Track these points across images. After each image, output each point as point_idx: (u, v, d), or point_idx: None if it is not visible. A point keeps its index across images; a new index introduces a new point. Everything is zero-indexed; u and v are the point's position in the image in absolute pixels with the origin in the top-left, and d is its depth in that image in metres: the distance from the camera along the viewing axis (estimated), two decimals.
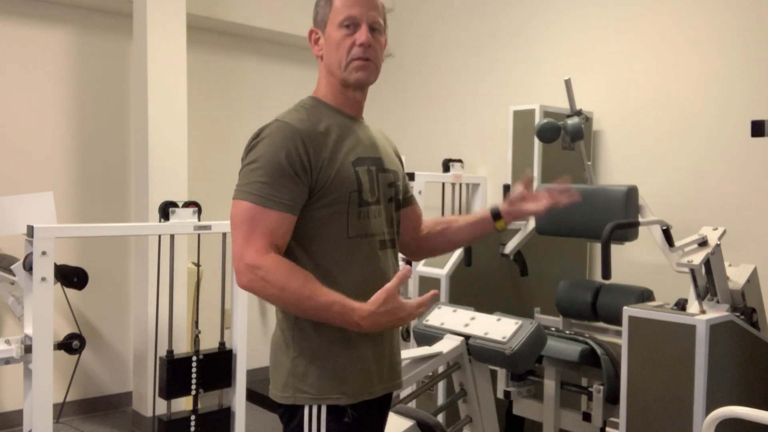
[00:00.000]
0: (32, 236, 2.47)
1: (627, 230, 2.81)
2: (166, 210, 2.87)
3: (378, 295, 1.46)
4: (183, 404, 3.42)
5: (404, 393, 2.56)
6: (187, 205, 2.90)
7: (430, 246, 1.88)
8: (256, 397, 4.02)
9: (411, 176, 4.04)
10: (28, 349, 2.50)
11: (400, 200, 1.73)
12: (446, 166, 4.27)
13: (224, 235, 3.01)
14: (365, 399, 1.57)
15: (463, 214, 1.94)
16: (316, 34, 1.65)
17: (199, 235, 2.97)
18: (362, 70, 1.59)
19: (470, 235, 1.87)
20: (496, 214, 1.84)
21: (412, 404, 2.65)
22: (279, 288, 1.44)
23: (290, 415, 1.57)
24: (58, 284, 2.87)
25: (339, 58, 1.59)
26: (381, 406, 1.65)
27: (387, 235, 1.65)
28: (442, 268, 3.29)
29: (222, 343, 2.95)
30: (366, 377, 1.57)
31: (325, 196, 1.53)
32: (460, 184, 4.36)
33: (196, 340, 2.89)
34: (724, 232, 2.53)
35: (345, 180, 1.54)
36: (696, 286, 2.49)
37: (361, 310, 1.45)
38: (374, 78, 1.64)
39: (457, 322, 2.61)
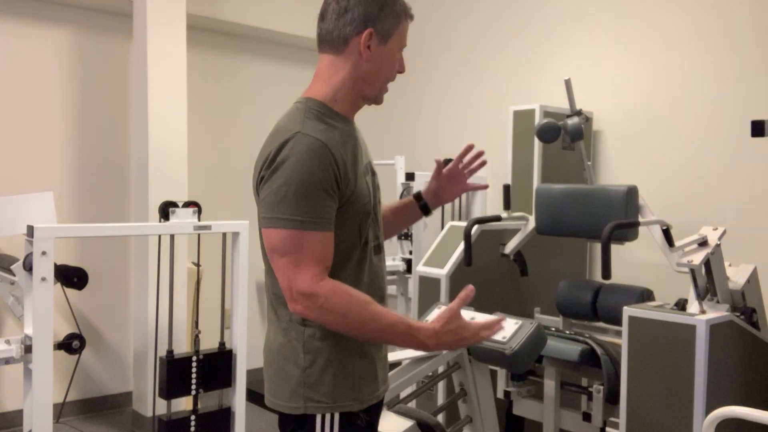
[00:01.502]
0: (32, 236, 2.47)
1: (627, 230, 2.81)
2: (166, 210, 2.87)
3: (442, 314, 1.46)
4: (183, 404, 3.42)
5: (404, 393, 2.56)
6: (187, 205, 2.90)
7: None
8: (256, 397, 4.02)
9: (411, 176, 4.04)
10: (28, 349, 2.50)
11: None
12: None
13: (224, 235, 3.02)
14: (374, 403, 1.58)
15: (393, 202, 1.93)
16: (371, 37, 1.53)
17: (199, 235, 2.97)
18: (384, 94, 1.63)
19: (397, 223, 1.87)
20: (419, 199, 1.85)
21: (412, 404, 2.65)
22: (341, 315, 1.41)
23: (298, 425, 1.53)
24: (58, 284, 2.87)
25: (385, 77, 1.58)
26: (379, 406, 1.67)
27: (381, 238, 1.65)
28: (442, 268, 3.29)
29: (222, 343, 2.95)
30: (374, 381, 1.58)
31: (348, 209, 1.49)
32: None
33: (196, 340, 2.89)
34: (724, 232, 2.53)
35: (363, 192, 1.52)
36: (696, 286, 2.49)
37: (426, 329, 1.45)
38: None
39: None
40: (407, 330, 1.44)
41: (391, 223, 1.85)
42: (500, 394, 3.11)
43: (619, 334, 2.96)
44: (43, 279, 2.47)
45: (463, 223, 3.27)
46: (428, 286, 3.34)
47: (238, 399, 2.95)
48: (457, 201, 4.39)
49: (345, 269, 1.52)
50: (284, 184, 1.40)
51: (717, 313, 2.40)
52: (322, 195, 1.41)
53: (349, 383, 1.50)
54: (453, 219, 4.32)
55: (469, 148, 1.83)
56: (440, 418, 3.09)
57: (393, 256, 4.22)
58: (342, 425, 1.52)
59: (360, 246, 1.54)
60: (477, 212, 4.37)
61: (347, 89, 1.55)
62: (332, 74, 1.55)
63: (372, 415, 1.58)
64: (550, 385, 2.96)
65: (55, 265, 2.59)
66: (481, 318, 2.58)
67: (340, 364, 1.50)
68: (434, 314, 2.73)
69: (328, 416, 1.51)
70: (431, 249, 3.45)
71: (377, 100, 1.62)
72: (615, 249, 3.71)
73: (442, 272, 3.27)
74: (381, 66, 1.56)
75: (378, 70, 1.56)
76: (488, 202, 4.40)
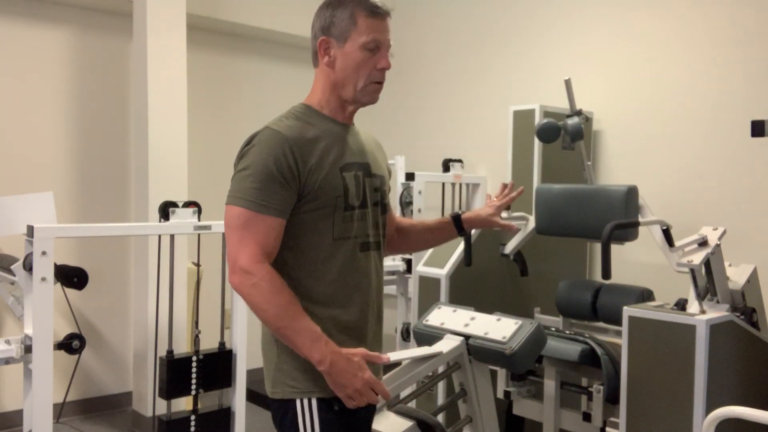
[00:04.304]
0: (32, 236, 2.47)
1: (627, 230, 2.81)
2: (166, 210, 2.87)
3: (354, 349, 1.55)
4: (183, 404, 3.42)
5: (404, 393, 2.56)
6: (187, 205, 2.90)
7: (394, 246, 1.95)
8: (256, 397, 4.02)
9: (411, 176, 4.04)
10: (28, 349, 2.50)
11: (385, 204, 1.78)
12: (446, 166, 4.27)
13: (224, 235, 3.01)
14: None
15: (426, 219, 2.03)
16: (328, 44, 1.64)
17: (199, 235, 2.97)
18: (376, 93, 1.66)
19: (432, 240, 2.00)
20: (457, 221, 1.95)
21: (412, 404, 2.65)
22: (265, 300, 1.51)
23: (283, 410, 1.62)
24: (58, 284, 2.87)
25: (356, 78, 1.63)
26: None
27: (372, 237, 1.70)
28: (442, 268, 3.28)
29: (222, 343, 2.95)
30: None
31: (313, 201, 1.58)
32: (460, 184, 4.36)
33: (196, 340, 2.89)
34: (724, 232, 2.52)
35: (331, 186, 1.60)
36: (696, 286, 2.49)
37: (333, 344, 1.53)
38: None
39: (457, 322, 2.61)
40: (315, 338, 1.51)
41: (426, 239, 1.99)
42: (500, 394, 3.11)
43: (619, 334, 2.96)
44: (43, 279, 2.47)
45: None
46: (428, 286, 3.33)
47: (238, 399, 2.95)
48: (456, 201, 4.39)
49: (315, 257, 1.60)
50: (244, 168, 1.57)
51: (717, 313, 2.40)
52: (274, 183, 1.54)
53: (317, 371, 1.55)
54: None
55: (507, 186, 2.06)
56: (440, 418, 3.09)
57: (393, 256, 4.22)
58: (320, 410, 1.59)
59: (332, 239, 1.61)
60: None
61: (327, 95, 1.67)
62: (315, 84, 1.70)
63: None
64: (550, 385, 2.96)
65: (55, 265, 2.59)
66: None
67: None
68: (434, 314, 2.73)
69: (306, 401, 1.59)
70: (431, 249, 3.45)
71: (359, 100, 1.67)
72: (615, 249, 3.70)
73: (442, 272, 3.27)
74: (345, 68, 1.63)
75: (344, 72, 1.63)
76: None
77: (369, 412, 1.70)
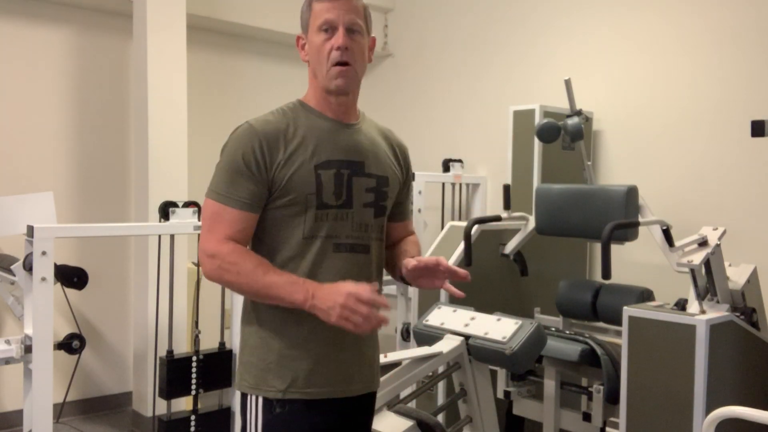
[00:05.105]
0: (32, 236, 2.47)
1: (627, 230, 2.81)
2: (166, 210, 2.87)
3: (360, 285, 1.45)
4: (183, 404, 3.42)
5: (404, 393, 2.56)
6: (187, 205, 2.91)
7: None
8: None
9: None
10: (28, 349, 2.50)
11: (384, 206, 1.69)
12: (446, 166, 4.27)
13: None
14: (298, 398, 1.57)
15: (410, 250, 1.80)
16: (302, 39, 1.67)
17: (198, 235, 2.97)
18: (341, 77, 1.59)
19: (392, 272, 1.79)
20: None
21: (412, 404, 2.65)
22: (235, 272, 1.51)
23: (241, 401, 1.65)
24: (58, 284, 2.87)
25: (320, 63, 1.61)
26: (343, 408, 1.63)
27: (354, 239, 1.61)
28: None
29: (222, 343, 2.96)
30: (306, 375, 1.57)
31: (283, 197, 1.57)
32: (460, 184, 4.36)
33: (196, 340, 2.89)
34: (724, 232, 2.52)
35: (303, 182, 1.56)
36: (696, 286, 2.49)
37: (310, 281, 1.51)
38: (354, 85, 1.64)
39: (457, 322, 2.61)
40: (292, 282, 1.50)
41: (390, 264, 1.79)
42: (500, 394, 3.11)
43: (619, 334, 2.96)
44: (43, 279, 2.47)
45: (463, 223, 3.27)
46: None
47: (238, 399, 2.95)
48: (456, 201, 4.39)
49: (280, 254, 1.59)
50: (219, 162, 1.62)
51: (717, 313, 2.40)
52: (241, 176, 1.56)
53: (269, 369, 1.57)
54: (453, 219, 4.32)
55: (441, 265, 1.62)
56: (440, 418, 3.09)
57: None
58: (264, 409, 1.59)
59: (302, 237, 1.57)
60: (477, 212, 4.36)
61: (312, 90, 1.67)
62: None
63: (294, 409, 1.56)
64: (550, 385, 2.96)
65: (55, 265, 2.59)
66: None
67: (264, 349, 1.59)
68: (434, 314, 2.73)
69: (254, 398, 1.60)
70: (431, 249, 3.45)
71: (329, 89, 1.63)
72: (615, 249, 3.70)
73: None
74: (311, 56, 1.64)
75: (312, 61, 1.65)
76: (488, 202, 4.40)
77: (321, 419, 1.60)
